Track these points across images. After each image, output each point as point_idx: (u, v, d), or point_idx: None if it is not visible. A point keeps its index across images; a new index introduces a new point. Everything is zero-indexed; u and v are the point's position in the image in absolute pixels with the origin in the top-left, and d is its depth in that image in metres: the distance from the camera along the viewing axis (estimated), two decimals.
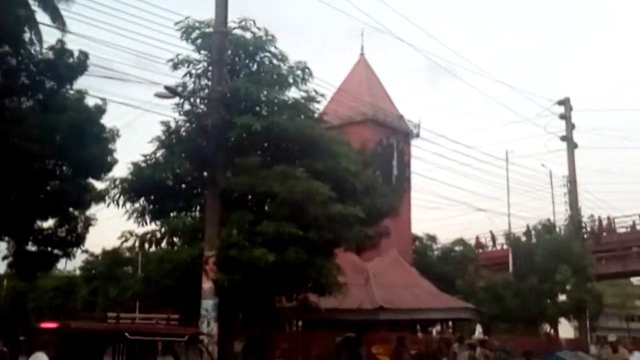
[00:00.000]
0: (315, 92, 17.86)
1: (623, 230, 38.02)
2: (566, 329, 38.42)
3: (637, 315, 79.16)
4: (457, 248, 38.67)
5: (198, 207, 17.55)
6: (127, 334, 9.09)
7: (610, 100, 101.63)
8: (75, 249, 22.92)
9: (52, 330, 8.88)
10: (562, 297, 30.10)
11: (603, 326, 64.42)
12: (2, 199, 18.83)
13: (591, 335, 37.31)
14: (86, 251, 34.47)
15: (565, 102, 33.83)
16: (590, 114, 78.87)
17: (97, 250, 40.49)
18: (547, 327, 32.94)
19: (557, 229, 31.81)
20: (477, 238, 40.86)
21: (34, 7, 17.89)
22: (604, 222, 38.01)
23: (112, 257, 35.99)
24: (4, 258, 23.41)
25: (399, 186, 30.59)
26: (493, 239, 39.99)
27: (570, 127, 33.54)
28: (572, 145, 33.35)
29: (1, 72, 17.95)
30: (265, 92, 16.55)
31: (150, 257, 19.28)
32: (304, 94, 17.68)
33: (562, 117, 33.63)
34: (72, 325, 9.13)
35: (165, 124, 17.44)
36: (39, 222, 21.72)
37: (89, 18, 16.77)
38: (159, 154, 17.19)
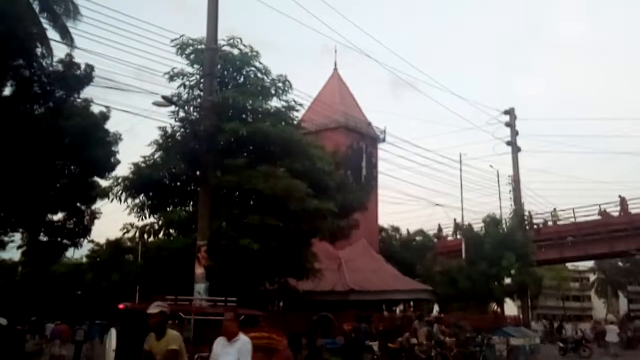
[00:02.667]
0: (295, 102, 18.00)
1: (560, 222, 38.47)
2: (511, 308, 38.80)
3: (571, 295, 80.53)
4: (417, 238, 38.88)
5: (192, 203, 17.50)
6: (181, 314, 9.39)
7: (551, 110, 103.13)
8: (82, 239, 22.82)
9: (120, 310, 9.24)
10: (508, 281, 30.36)
11: (543, 305, 65.42)
12: (17, 194, 18.60)
13: (532, 313, 37.73)
14: (92, 241, 34.10)
15: (510, 112, 34.12)
16: (534, 122, 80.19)
17: (102, 241, 40.06)
18: (494, 306, 33.24)
19: (503, 222, 32.07)
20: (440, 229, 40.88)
21: (46, 25, 17.65)
22: (548, 216, 38.36)
23: (115, 247, 35.57)
24: (19, 247, 23.15)
25: (367, 185, 30.66)
26: (457, 227, 40.05)
27: (515, 133, 33.86)
28: (516, 150, 33.68)
29: (16, 82, 17.72)
30: (250, 102, 16.56)
31: (149, 246, 19.11)
32: (284, 104, 17.78)
33: (507, 125, 33.90)
34: (132, 307, 9.48)
35: (163, 129, 17.42)
36: (50, 216, 21.54)
37: (95, 35, 16.66)
38: (157, 155, 17.12)
